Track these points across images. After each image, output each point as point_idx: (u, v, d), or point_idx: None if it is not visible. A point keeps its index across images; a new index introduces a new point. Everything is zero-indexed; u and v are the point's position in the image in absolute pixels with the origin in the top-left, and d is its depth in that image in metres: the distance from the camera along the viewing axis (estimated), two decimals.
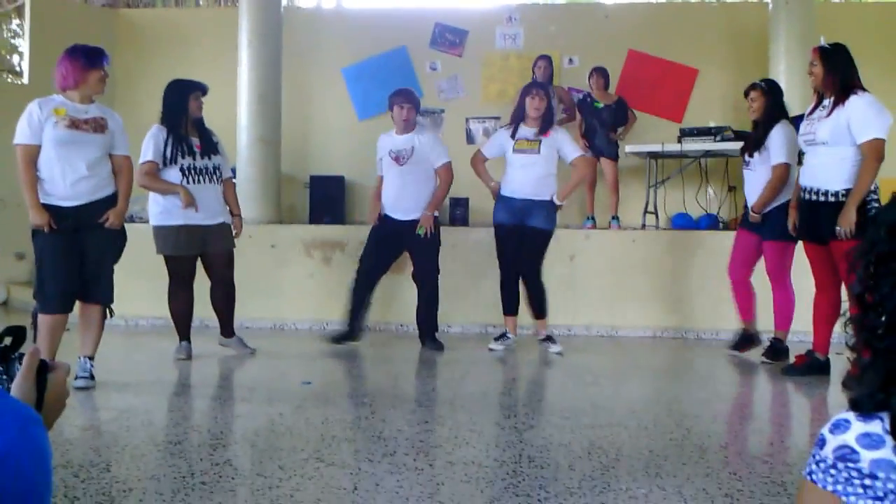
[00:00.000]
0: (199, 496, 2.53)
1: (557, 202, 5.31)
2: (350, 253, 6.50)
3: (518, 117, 5.39)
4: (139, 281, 5.56)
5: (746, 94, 5.09)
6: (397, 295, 5.57)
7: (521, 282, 5.38)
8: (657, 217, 7.23)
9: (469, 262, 6.28)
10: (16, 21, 10.57)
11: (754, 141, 5.01)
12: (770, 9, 7.71)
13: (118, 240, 4.23)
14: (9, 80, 9.92)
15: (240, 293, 5.19)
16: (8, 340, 1.18)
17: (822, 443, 1.02)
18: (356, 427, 3.44)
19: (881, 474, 0.96)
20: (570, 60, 8.52)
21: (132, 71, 8.46)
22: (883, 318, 1.03)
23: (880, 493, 0.96)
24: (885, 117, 4.18)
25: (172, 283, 4.99)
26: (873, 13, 8.91)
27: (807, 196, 4.45)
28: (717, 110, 7.98)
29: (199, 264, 5.04)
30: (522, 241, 5.33)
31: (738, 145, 5.60)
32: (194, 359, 4.96)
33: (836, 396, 4.20)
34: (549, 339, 5.40)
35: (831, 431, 1.02)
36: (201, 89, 4.97)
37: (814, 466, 1.02)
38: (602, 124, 7.38)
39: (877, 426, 0.99)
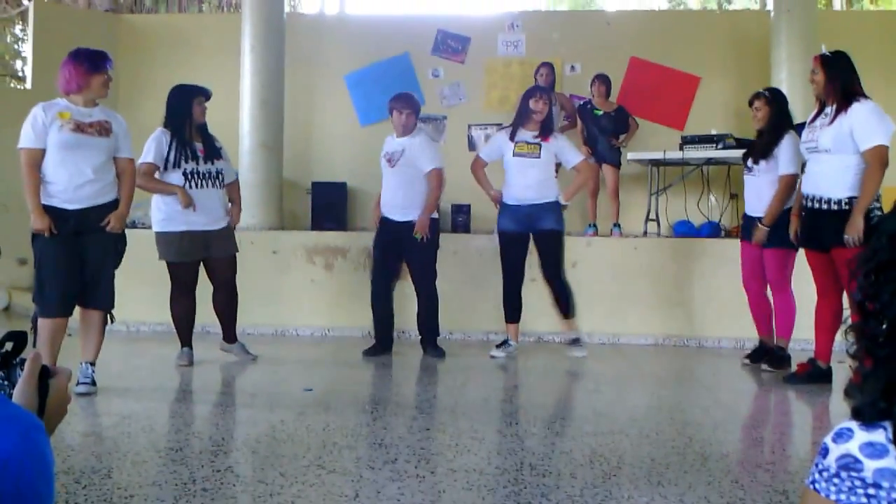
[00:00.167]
0: (200, 503, 2.52)
1: (563, 202, 5.31)
2: (352, 259, 6.51)
3: (518, 120, 5.39)
4: (141, 287, 5.56)
5: (751, 104, 5.11)
6: (397, 301, 5.56)
7: (547, 285, 5.39)
8: (659, 224, 7.24)
9: (471, 269, 6.29)
10: (19, 26, 10.62)
11: (761, 149, 5.01)
12: (772, 17, 7.74)
13: (119, 244, 4.23)
14: (12, 85, 9.95)
15: (242, 299, 5.19)
16: (9, 346, 1.18)
17: (825, 452, 1.02)
18: (357, 434, 3.43)
19: (885, 483, 0.96)
20: (572, 68, 8.53)
21: (135, 76, 8.48)
22: (884, 326, 1.03)
23: (884, 503, 0.95)
24: (887, 124, 4.19)
25: (174, 289, 4.99)
26: (874, 21, 8.93)
27: (809, 204, 4.44)
28: (719, 118, 8.00)
29: (201, 270, 5.04)
30: (537, 247, 5.34)
31: (739, 153, 5.60)
32: (196, 365, 4.96)
33: (838, 405, 4.19)
34: (576, 342, 5.41)
35: (834, 440, 1.01)
36: (205, 94, 4.99)
37: (817, 476, 1.02)
38: (602, 132, 7.39)
39: (880, 435, 0.98)
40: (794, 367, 4.80)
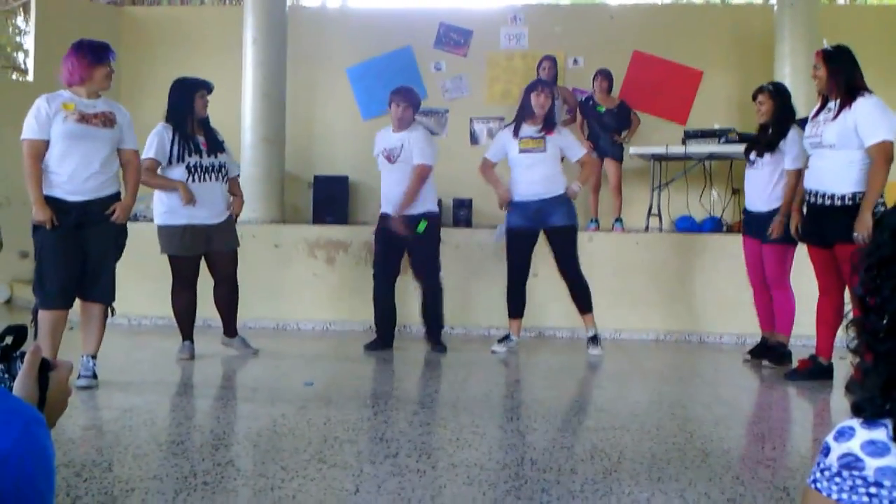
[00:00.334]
0: (200, 496, 2.53)
1: (576, 188, 5.29)
2: (353, 253, 6.51)
3: (521, 116, 5.37)
4: (142, 280, 5.57)
5: (755, 98, 5.09)
6: (399, 296, 5.56)
7: (563, 280, 5.37)
8: (661, 220, 7.22)
9: (472, 264, 6.28)
10: (21, 18, 10.59)
11: (767, 142, 4.99)
12: (775, 11, 7.72)
13: (120, 237, 4.23)
14: (14, 77, 9.94)
15: (243, 293, 5.19)
16: (9, 339, 1.18)
17: (826, 451, 1.01)
18: (358, 428, 3.44)
19: (887, 482, 0.95)
20: (575, 61, 8.51)
21: (136, 68, 8.47)
22: (884, 322, 1.03)
23: (886, 502, 0.95)
24: (891, 119, 4.17)
25: (176, 282, 4.99)
26: (877, 15, 8.90)
27: (812, 199, 4.43)
28: (722, 112, 7.97)
29: (203, 264, 5.04)
30: (550, 243, 5.33)
31: (742, 148, 5.59)
32: (197, 359, 4.96)
33: (840, 401, 4.19)
34: (594, 339, 5.41)
35: (836, 439, 1.01)
36: (207, 88, 4.97)
37: (818, 475, 1.01)
38: (604, 128, 7.37)
39: (881, 433, 0.98)
40: (795, 364, 4.80)
